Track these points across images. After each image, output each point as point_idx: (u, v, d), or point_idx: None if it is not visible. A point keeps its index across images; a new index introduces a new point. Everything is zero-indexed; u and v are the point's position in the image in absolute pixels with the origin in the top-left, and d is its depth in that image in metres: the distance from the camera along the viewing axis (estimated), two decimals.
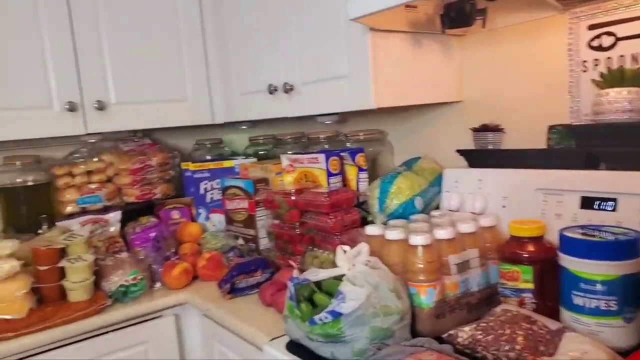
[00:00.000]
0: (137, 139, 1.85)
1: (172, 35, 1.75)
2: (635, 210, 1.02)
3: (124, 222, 1.67)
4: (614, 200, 1.06)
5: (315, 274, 1.09)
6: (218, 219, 1.75)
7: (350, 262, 1.07)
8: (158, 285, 1.51)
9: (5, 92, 1.48)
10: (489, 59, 1.36)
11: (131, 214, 1.71)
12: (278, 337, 1.13)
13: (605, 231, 0.95)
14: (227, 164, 1.75)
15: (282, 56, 1.49)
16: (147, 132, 1.96)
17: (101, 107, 1.59)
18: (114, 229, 1.62)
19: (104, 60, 1.62)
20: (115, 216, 1.64)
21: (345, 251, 1.09)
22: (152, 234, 1.54)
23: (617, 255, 0.90)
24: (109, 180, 1.77)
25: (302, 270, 1.37)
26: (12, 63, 1.48)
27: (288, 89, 1.44)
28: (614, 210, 1.06)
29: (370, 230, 1.18)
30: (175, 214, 1.74)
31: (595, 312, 0.93)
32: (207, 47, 1.81)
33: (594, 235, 0.94)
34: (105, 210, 1.70)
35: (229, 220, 1.66)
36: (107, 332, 1.37)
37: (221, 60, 1.79)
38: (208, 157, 1.95)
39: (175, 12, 1.75)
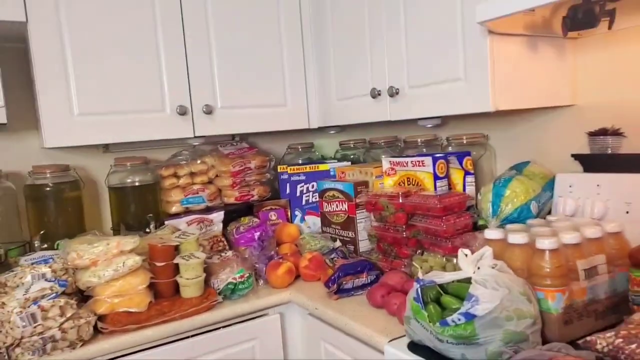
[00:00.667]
0: (235, 143, 1.93)
1: (274, 42, 1.81)
2: None
3: (224, 222, 1.74)
4: None
5: (441, 277, 1.09)
6: (313, 220, 1.79)
7: (475, 265, 1.07)
8: (261, 283, 1.56)
9: (126, 97, 1.57)
10: (606, 62, 1.32)
11: (230, 214, 1.78)
12: (397, 338, 1.14)
13: None
14: (322, 167, 1.78)
15: (387, 60, 1.51)
16: (243, 136, 2.04)
17: (208, 111, 1.66)
18: (217, 228, 1.69)
19: (212, 67, 1.70)
20: (218, 216, 1.71)
21: (466, 255, 1.09)
22: (257, 234, 1.59)
23: None
24: (210, 182, 1.85)
25: (407, 274, 1.38)
26: (132, 70, 1.58)
27: (394, 92, 1.46)
28: None
29: (489, 234, 1.17)
30: (273, 215, 1.80)
31: None
32: (306, 54, 1.87)
33: None
34: (207, 210, 1.78)
35: (326, 222, 1.70)
36: (217, 329, 1.43)
37: (319, 65, 1.84)
38: (299, 161, 2.00)
39: (278, 20, 1.81)
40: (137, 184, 1.75)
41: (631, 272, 1.04)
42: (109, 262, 1.35)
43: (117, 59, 1.55)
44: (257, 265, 1.56)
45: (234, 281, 1.47)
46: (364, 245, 1.59)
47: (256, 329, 1.47)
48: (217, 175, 1.85)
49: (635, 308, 1.04)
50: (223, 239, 1.67)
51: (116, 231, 1.74)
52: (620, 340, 0.94)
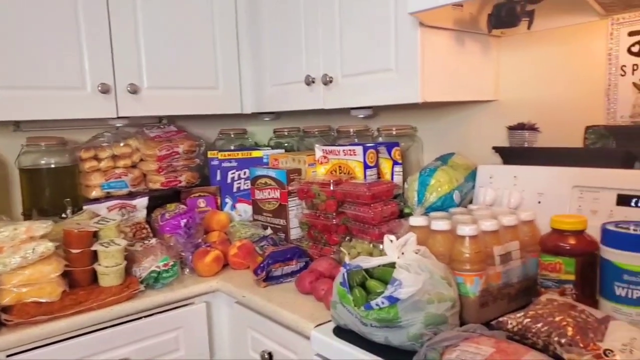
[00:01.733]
0: (162, 126, 1.84)
1: (206, 22, 1.74)
2: None
3: (148, 209, 1.66)
4: None
5: (367, 262, 1.11)
6: (244, 208, 1.76)
7: (399, 250, 1.09)
8: (187, 272, 1.51)
9: (41, 70, 1.45)
10: (526, 61, 1.40)
11: (156, 200, 1.70)
12: (323, 324, 1.14)
13: None
14: (255, 154, 1.75)
15: (321, 47, 1.51)
16: (171, 119, 1.95)
17: (134, 90, 1.57)
18: (141, 215, 1.61)
19: (139, 43, 1.60)
20: (142, 202, 1.63)
21: (392, 240, 1.11)
22: (183, 221, 1.53)
23: None
24: (134, 166, 1.75)
25: (336, 260, 1.39)
26: (45, 41, 1.45)
27: (328, 81, 1.46)
28: None
29: (414, 221, 1.20)
30: (201, 202, 1.74)
31: (637, 303, 0.97)
32: (240, 36, 1.81)
33: (628, 229, 0.99)
34: (130, 195, 1.69)
35: (257, 210, 1.67)
36: (139, 318, 1.36)
37: (253, 49, 1.80)
38: (231, 147, 1.95)
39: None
40: (52, 166, 1.62)
41: (541, 258, 1.11)
42: (17, 249, 1.25)
43: (32, 29, 1.42)
44: (183, 254, 1.51)
45: (158, 269, 1.41)
46: (295, 233, 1.58)
47: (181, 318, 1.42)
48: (141, 159, 1.75)
49: (543, 290, 1.11)
50: (147, 226, 1.59)
51: (27, 216, 1.60)
52: (529, 320, 1.01)
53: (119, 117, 1.60)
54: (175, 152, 1.75)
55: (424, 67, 1.26)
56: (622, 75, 1.22)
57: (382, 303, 1.00)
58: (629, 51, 1.20)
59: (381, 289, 1.04)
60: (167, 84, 1.66)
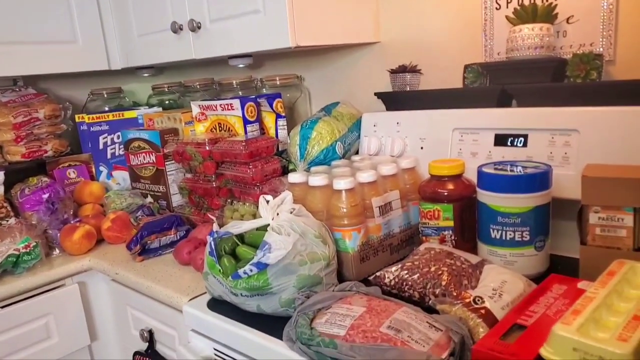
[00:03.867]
0: (18, 89, 1.59)
1: None
2: (543, 145, 1.06)
3: (8, 184, 1.46)
4: (524, 136, 1.09)
5: (238, 227, 1.02)
6: (122, 176, 1.59)
7: (274, 211, 1.01)
8: (57, 252, 1.36)
9: None
10: None
11: (17, 174, 1.49)
12: (198, 297, 1.06)
13: (518, 166, 0.98)
14: (128, 114, 1.57)
15: None
16: (30, 81, 1.69)
17: None
18: None
19: None
20: None
21: (268, 201, 1.03)
22: (45, 196, 1.36)
23: (532, 188, 0.94)
24: None
25: (221, 225, 1.29)
26: None
27: (195, 26, 1.30)
28: (524, 145, 1.09)
29: (292, 178, 1.12)
30: (71, 173, 1.55)
31: (510, 244, 0.97)
32: None
33: (506, 170, 0.97)
34: None
35: (135, 177, 1.52)
36: None
37: None
38: (106, 109, 1.74)
39: None
40: None
41: (420, 206, 1.07)
42: None
43: None
44: (49, 232, 1.35)
45: (17, 252, 1.25)
46: (177, 199, 1.46)
47: (49, 303, 1.28)
48: None
49: (423, 239, 1.08)
50: (6, 204, 1.40)
51: None
52: (405, 272, 0.97)
53: None
54: (34, 119, 1.53)
55: (294, 7, 1.13)
56: (497, 9, 1.17)
57: (251, 271, 0.92)
58: None
59: (252, 255, 0.96)
60: (6, 38, 1.41)
